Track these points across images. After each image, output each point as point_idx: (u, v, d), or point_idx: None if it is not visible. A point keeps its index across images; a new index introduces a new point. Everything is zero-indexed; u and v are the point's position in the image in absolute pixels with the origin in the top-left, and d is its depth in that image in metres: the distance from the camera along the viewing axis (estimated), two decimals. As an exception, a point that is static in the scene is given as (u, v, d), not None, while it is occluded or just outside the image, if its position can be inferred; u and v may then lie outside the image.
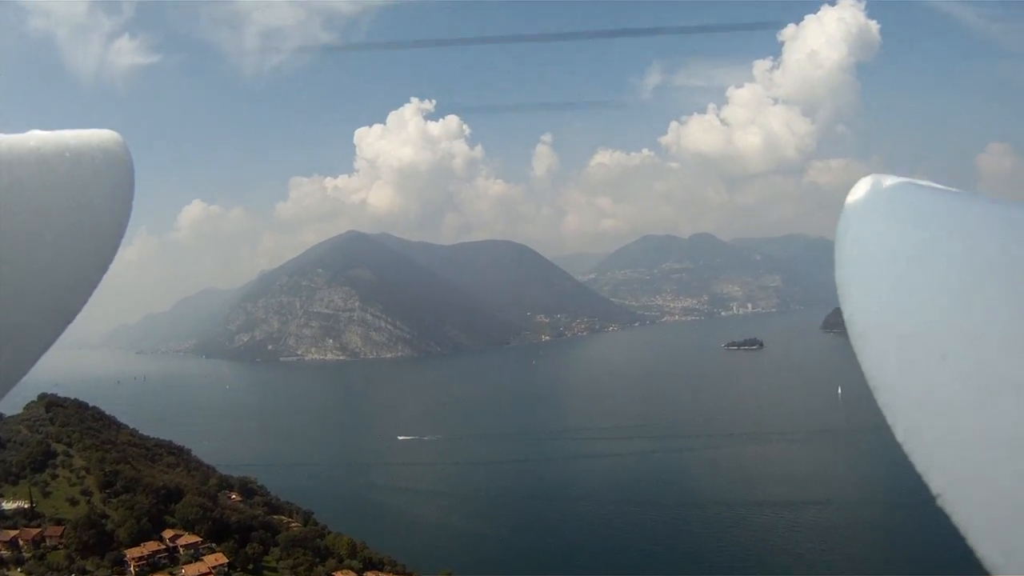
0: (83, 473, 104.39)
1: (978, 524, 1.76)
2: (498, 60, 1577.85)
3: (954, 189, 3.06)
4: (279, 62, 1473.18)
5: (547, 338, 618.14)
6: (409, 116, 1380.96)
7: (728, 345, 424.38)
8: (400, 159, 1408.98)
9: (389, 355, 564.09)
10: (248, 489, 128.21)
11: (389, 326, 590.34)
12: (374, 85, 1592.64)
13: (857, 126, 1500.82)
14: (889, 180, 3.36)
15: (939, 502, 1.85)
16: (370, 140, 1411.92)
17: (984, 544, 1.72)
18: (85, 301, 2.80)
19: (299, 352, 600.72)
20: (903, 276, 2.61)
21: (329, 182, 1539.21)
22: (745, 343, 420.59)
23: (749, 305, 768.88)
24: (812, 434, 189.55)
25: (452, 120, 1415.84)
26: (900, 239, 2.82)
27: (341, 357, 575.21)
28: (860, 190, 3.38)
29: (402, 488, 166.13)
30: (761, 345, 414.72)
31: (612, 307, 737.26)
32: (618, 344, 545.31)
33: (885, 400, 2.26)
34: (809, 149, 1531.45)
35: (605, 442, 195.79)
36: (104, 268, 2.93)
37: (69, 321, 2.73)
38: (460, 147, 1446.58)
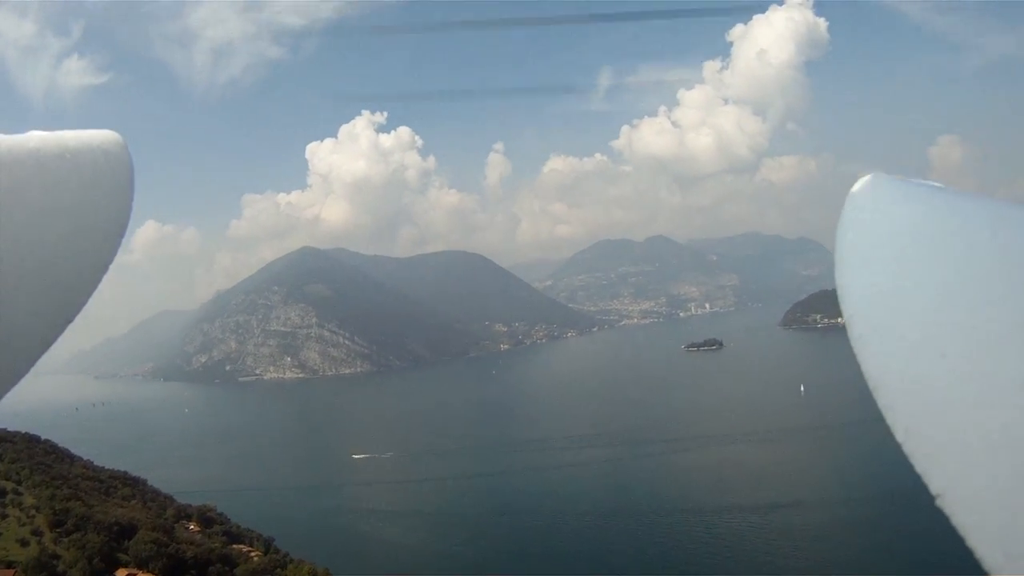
0: (33, 512, 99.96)
1: (978, 524, 1.75)
2: (448, 69, 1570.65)
3: (954, 189, 3.07)
4: (230, 78, 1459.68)
5: (506, 347, 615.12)
6: (360, 129, 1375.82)
7: (688, 346, 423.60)
8: (353, 173, 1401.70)
9: (348, 371, 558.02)
10: (207, 518, 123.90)
11: (347, 342, 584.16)
12: (325, 99, 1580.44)
13: (808, 123, 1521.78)
14: (888, 180, 3.36)
15: (939, 502, 1.85)
16: (322, 154, 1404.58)
17: (984, 544, 1.71)
18: (85, 301, 2.80)
19: (258, 371, 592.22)
20: (903, 276, 2.62)
21: (282, 198, 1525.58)
22: (705, 344, 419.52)
23: (707, 305, 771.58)
24: (777, 433, 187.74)
25: (404, 132, 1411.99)
26: (899, 239, 2.82)
27: (300, 375, 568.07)
28: (859, 190, 3.38)
29: (362, 509, 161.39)
30: (721, 345, 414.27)
31: (570, 313, 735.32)
32: (578, 350, 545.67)
33: (885, 400, 2.27)
34: (761, 147, 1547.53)
35: (569, 451, 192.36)
36: (104, 268, 2.93)
37: (69, 321, 2.74)
38: (413, 158, 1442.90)
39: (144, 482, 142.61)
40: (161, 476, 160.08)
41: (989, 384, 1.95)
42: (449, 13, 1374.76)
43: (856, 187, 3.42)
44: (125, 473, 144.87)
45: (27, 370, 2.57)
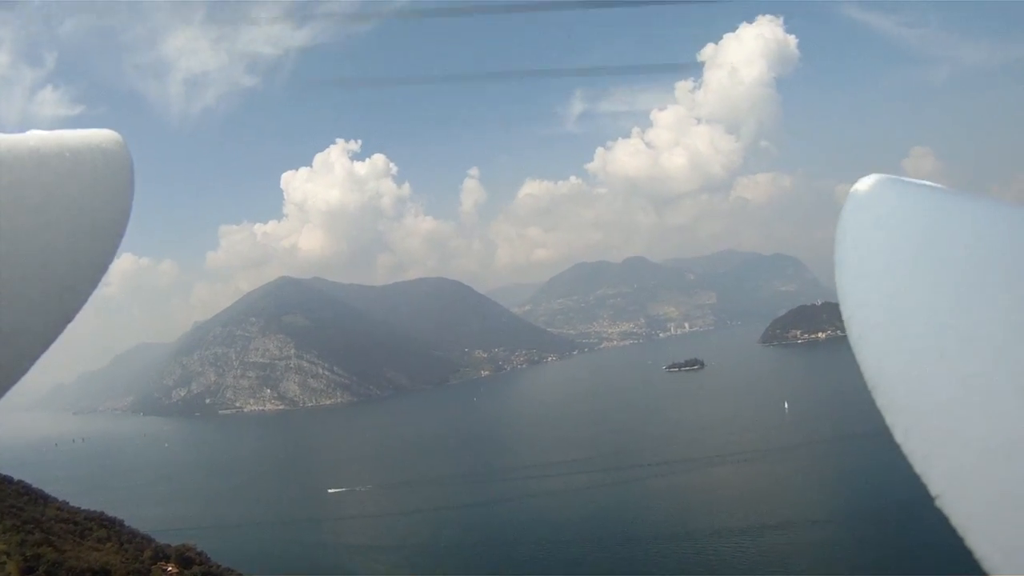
0: (4, 559, 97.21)
1: (977, 524, 1.76)
2: (422, 97, 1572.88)
3: (954, 189, 3.10)
4: (204, 108, 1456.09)
5: (487, 373, 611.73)
6: (335, 157, 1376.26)
7: (669, 367, 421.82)
8: (328, 201, 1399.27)
9: (329, 402, 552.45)
10: (186, 558, 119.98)
11: (326, 372, 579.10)
12: (299, 128, 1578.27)
13: (781, 139, 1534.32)
14: (888, 180, 3.38)
15: (938, 502, 1.85)
16: (297, 184, 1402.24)
17: (983, 544, 1.72)
18: (85, 301, 2.81)
19: (237, 404, 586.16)
20: (902, 276, 2.62)
21: (259, 228, 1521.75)
22: (686, 364, 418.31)
23: (686, 324, 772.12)
24: (763, 453, 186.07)
25: (379, 159, 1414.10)
26: (899, 239, 2.84)
27: (280, 407, 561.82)
28: (860, 190, 3.37)
29: (343, 544, 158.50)
30: (702, 365, 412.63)
31: (550, 337, 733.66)
32: (559, 375, 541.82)
33: (884, 400, 2.27)
34: (735, 165, 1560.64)
35: (554, 479, 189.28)
36: (104, 268, 2.94)
37: (69, 320, 2.74)
38: (388, 186, 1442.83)
39: (121, 522, 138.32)
40: (139, 515, 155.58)
41: (989, 384, 1.95)
42: (424, 40, 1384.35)
43: (856, 187, 3.42)
44: (101, 513, 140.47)
45: (27, 369, 2.58)
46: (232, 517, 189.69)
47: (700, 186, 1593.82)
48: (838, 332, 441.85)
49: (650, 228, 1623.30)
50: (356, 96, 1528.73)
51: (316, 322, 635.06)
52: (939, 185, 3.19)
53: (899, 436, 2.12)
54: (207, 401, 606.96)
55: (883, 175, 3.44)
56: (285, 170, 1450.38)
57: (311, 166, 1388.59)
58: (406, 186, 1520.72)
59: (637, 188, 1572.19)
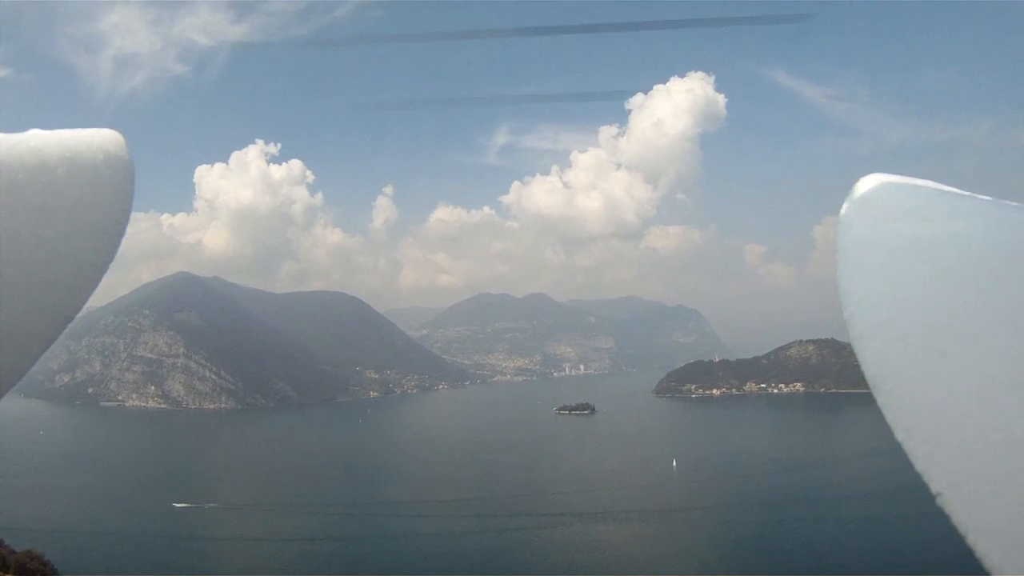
0: None
1: (978, 524, 1.75)
2: (347, 111, 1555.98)
3: (954, 189, 3.13)
4: (131, 89, 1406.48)
5: (376, 394, 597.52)
6: (252, 158, 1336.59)
7: (560, 409, 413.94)
8: (239, 201, 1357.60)
9: (212, 406, 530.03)
10: (27, 569, 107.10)
11: (213, 375, 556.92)
12: (221, 123, 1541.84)
13: (697, 194, 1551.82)
14: (889, 179, 3.37)
15: (939, 502, 1.85)
16: (211, 179, 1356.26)
17: (984, 544, 1.72)
18: (85, 301, 2.82)
19: (120, 397, 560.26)
20: (903, 276, 2.63)
21: (166, 219, 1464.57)
22: (577, 408, 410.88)
23: (582, 366, 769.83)
24: (649, 513, 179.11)
25: (296, 165, 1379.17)
26: (900, 239, 2.83)
27: (162, 405, 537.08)
28: (860, 189, 3.36)
29: (178, 566, 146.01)
30: (593, 410, 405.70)
31: (443, 364, 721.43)
32: (448, 404, 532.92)
33: (885, 400, 2.27)
34: (649, 215, 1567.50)
35: (426, 519, 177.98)
36: (104, 268, 2.94)
37: (69, 320, 2.75)
38: (301, 193, 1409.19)
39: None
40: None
41: (989, 384, 1.96)
42: (360, 58, 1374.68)
43: (857, 186, 3.40)
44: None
45: (28, 369, 2.57)
46: (84, 521, 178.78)
47: (612, 231, 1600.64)
48: (732, 390, 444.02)
49: (557, 267, 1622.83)
50: (282, 98, 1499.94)
51: (210, 323, 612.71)
52: (939, 185, 3.20)
53: (900, 435, 2.12)
54: (90, 390, 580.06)
55: (883, 174, 3.41)
56: (200, 164, 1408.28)
57: (227, 163, 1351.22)
58: (319, 195, 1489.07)
59: (549, 226, 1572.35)
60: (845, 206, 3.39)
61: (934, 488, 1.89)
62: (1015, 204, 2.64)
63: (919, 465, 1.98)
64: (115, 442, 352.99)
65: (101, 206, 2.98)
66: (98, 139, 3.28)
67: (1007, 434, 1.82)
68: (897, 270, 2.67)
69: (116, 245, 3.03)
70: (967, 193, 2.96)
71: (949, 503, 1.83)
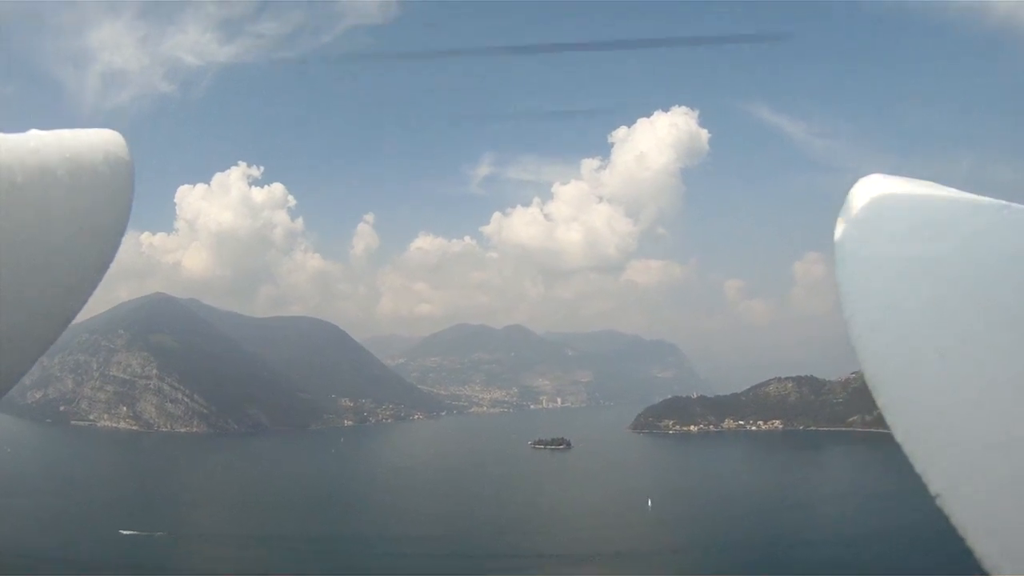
0: None
1: (977, 524, 1.77)
2: (330, 136, 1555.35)
3: (953, 190, 3.09)
4: (116, 106, 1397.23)
5: (350, 423, 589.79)
6: (234, 180, 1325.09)
7: (535, 444, 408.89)
8: (220, 223, 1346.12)
9: (184, 429, 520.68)
10: None
11: (186, 398, 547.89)
12: (205, 143, 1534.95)
13: (678, 229, 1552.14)
14: (889, 179, 3.38)
15: (939, 502, 1.85)
16: (192, 200, 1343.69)
17: (984, 544, 1.73)
18: (85, 301, 2.88)
19: (91, 416, 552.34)
20: (902, 276, 2.63)
21: (146, 238, 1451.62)
22: (552, 442, 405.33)
23: (559, 399, 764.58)
24: (623, 557, 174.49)
25: (277, 188, 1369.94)
26: (900, 239, 2.83)
27: (133, 427, 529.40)
28: (861, 190, 3.37)
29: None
30: (569, 445, 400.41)
31: (419, 394, 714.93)
32: (423, 434, 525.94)
33: (885, 400, 2.26)
34: (630, 248, 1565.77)
35: (393, 559, 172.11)
36: (104, 268, 3.02)
37: (69, 320, 2.81)
38: (282, 217, 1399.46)
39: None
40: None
41: (989, 384, 1.96)
42: (344, 81, 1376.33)
43: (856, 186, 3.42)
44: None
45: (27, 370, 2.61)
46: (19, 545, 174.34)
47: (592, 264, 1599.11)
48: (711, 427, 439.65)
49: (536, 299, 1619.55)
50: (266, 121, 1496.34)
51: (184, 345, 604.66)
52: (939, 185, 3.21)
53: (899, 436, 2.11)
54: (61, 408, 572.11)
55: (883, 175, 3.43)
56: (182, 183, 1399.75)
57: (209, 184, 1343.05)
58: (300, 220, 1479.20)
59: (529, 257, 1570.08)
60: (845, 206, 3.39)
61: (934, 489, 1.89)
62: (1015, 205, 2.61)
63: (919, 466, 1.98)
64: (78, 463, 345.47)
65: (101, 206, 3.00)
66: (98, 139, 3.24)
67: (1007, 434, 1.81)
68: (897, 270, 2.68)
69: (116, 246, 3.07)
70: (967, 193, 2.94)
71: (949, 503, 1.84)
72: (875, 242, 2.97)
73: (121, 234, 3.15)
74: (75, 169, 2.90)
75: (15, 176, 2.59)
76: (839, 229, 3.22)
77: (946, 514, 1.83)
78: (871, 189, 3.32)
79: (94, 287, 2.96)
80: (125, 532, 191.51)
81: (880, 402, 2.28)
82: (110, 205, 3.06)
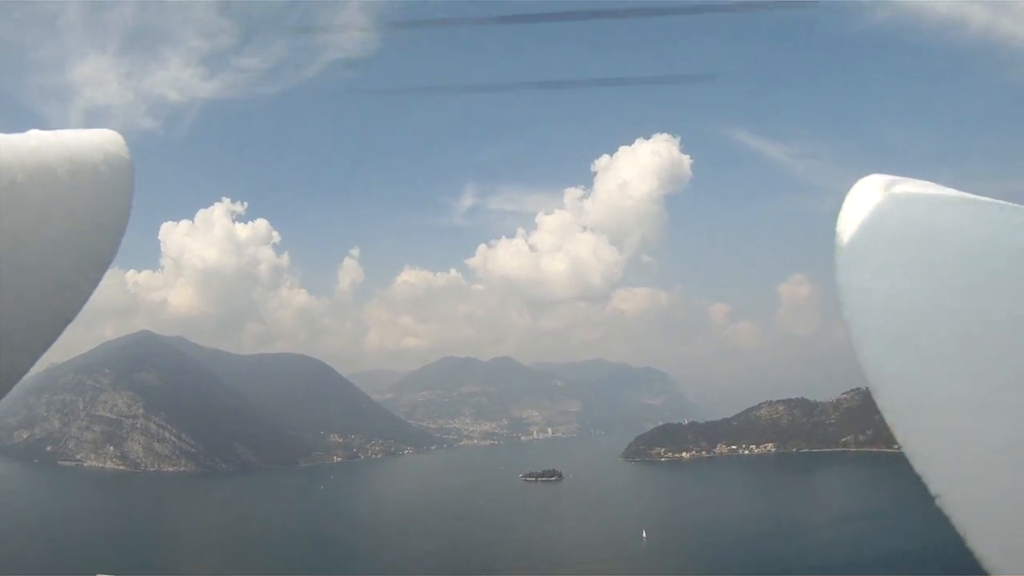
0: None
1: (977, 524, 1.76)
2: (313, 170, 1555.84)
3: (952, 190, 3.12)
4: None
5: (339, 459, 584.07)
6: (218, 216, 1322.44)
7: (526, 476, 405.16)
8: (205, 260, 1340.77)
9: (171, 469, 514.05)
10: None
11: (173, 438, 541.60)
12: (188, 179, 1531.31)
13: (662, 256, 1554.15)
14: (888, 180, 3.37)
15: (938, 502, 1.86)
16: (176, 236, 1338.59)
17: (984, 544, 1.73)
18: (85, 301, 2.83)
19: (79, 456, 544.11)
20: (902, 276, 2.63)
21: (131, 276, 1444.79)
22: (543, 474, 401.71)
23: (549, 430, 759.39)
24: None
25: (261, 224, 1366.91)
26: (899, 239, 2.86)
27: (121, 467, 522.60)
28: (860, 190, 3.37)
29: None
30: (560, 476, 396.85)
31: (409, 429, 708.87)
32: (414, 469, 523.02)
33: (885, 401, 2.26)
34: (615, 277, 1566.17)
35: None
36: (104, 268, 2.97)
37: (69, 321, 2.75)
38: (267, 253, 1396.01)
39: None
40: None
41: (989, 384, 1.97)
42: (329, 115, 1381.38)
43: (856, 187, 3.42)
44: None
45: (27, 370, 2.59)
46: None
47: (578, 294, 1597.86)
48: (703, 452, 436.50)
49: (523, 330, 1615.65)
50: (249, 156, 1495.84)
51: (170, 384, 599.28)
52: (938, 186, 3.20)
53: (899, 436, 2.11)
54: (48, 448, 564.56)
55: (882, 175, 3.42)
56: (166, 220, 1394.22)
57: (192, 221, 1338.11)
58: (285, 256, 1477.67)
59: (515, 289, 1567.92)
60: (844, 206, 3.38)
61: (933, 489, 1.89)
62: (1014, 205, 2.60)
63: (918, 466, 1.97)
64: (63, 504, 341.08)
65: (101, 206, 3.00)
66: (98, 139, 3.29)
67: (1007, 434, 1.82)
68: (896, 271, 2.68)
69: (116, 245, 3.06)
70: (966, 194, 2.96)
71: (948, 504, 1.84)
72: (875, 242, 2.97)
73: (121, 233, 3.14)
74: (75, 168, 2.92)
75: (15, 175, 2.61)
76: (839, 229, 3.22)
77: (946, 515, 1.83)
78: (871, 189, 3.32)
79: (94, 286, 2.92)
80: None
81: (880, 403, 2.28)
82: (110, 204, 3.07)
